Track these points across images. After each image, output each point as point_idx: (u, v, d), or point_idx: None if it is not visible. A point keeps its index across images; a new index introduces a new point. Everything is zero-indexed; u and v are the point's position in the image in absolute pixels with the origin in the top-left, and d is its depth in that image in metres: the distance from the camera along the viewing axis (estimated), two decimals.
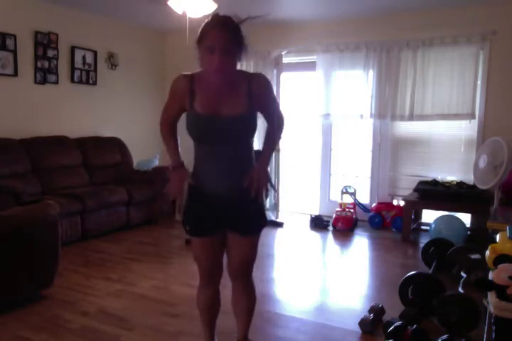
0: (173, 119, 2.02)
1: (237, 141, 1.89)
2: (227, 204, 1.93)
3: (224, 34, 1.70)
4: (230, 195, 1.92)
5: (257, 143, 5.68)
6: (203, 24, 1.75)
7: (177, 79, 1.88)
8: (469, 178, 4.35)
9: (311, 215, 5.21)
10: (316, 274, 3.65)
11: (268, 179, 1.98)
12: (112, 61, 5.44)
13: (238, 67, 1.87)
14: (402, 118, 4.86)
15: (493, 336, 1.85)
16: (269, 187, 1.99)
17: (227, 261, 2.08)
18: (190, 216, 2.01)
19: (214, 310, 2.19)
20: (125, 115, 5.75)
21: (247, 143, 1.95)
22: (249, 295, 2.14)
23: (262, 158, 1.99)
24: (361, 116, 5.04)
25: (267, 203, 5.23)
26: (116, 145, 5.36)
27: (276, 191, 2.05)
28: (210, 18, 1.76)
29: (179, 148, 2.07)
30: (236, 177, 1.90)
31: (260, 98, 1.86)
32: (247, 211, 1.96)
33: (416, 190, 4.54)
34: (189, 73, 1.88)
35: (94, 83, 5.27)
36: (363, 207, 5.20)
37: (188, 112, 1.87)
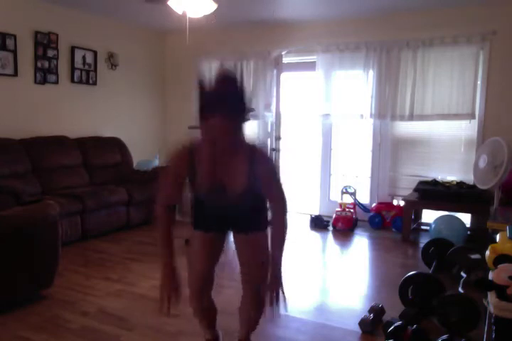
0: (172, 201, 1.90)
1: (242, 205, 1.86)
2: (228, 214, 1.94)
3: (224, 120, 1.59)
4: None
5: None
6: (201, 90, 1.62)
7: (176, 154, 1.81)
8: (469, 178, 4.35)
9: (311, 215, 5.21)
10: (316, 274, 3.65)
11: (280, 282, 1.87)
12: (112, 61, 5.44)
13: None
14: (402, 118, 4.86)
15: (493, 336, 1.85)
16: (283, 291, 1.88)
17: (239, 265, 2.05)
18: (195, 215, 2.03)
19: (212, 317, 2.19)
20: (125, 115, 5.75)
21: (255, 203, 1.90)
22: (257, 307, 2.04)
23: (274, 259, 1.88)
24: (361, 116, 5.04)
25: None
26: (116, 145, 5.36)
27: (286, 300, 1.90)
28: (211, 88, 1.62)
29: (173, 245, 1.91)
30: (238, 219, 1.92)
31: (262, 177, 1.78)
32: (247, 211, 1.95)
33: (416, 190, 4.54)
34: (188, 145, 1.79)
35: (94, 83, 5.27)
36: (363, 207, 5.19)
37: (191, 182, 1.83)
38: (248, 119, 1.73)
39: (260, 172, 1.76)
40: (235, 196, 1.78)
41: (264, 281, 1.94)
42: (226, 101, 1.60)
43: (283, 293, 1.87)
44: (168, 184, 1.86)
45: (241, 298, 2.13)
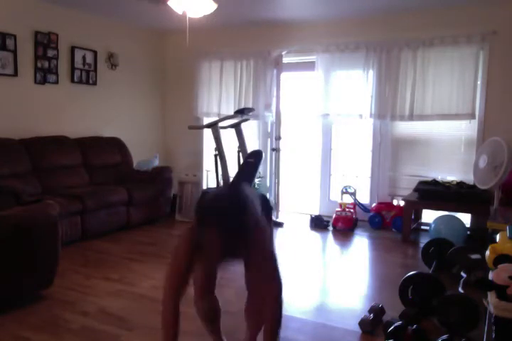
0: (184, 284, 1.79)
1: None
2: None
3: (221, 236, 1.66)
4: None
5: (258, 145, 5.70)
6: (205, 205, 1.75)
7: (185, 234, 1.81)
8: (469, 178, 4.35)
9: (311, 215, 5.22)
10: (316, 274, 3.65)
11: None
12: (112, 61, 5.44)
13: None
14: (402, 118, 4.85)
15: (493, 336, 1.85)
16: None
17: (245, 275, 2.03)
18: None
19: (217, 318, 2.17)
20: (125, 115, 5.75)
21: None
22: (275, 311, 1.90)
23: None
24: (361, 116, 5.04)
25: None
26: (116, 145, 5.36)
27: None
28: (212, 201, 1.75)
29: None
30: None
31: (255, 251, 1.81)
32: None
33: (416, 190, 4.54)
34: (191, 230, 1.79)
35: (94, 83, 5.27)
36: (363, 207, 5.19)
37: None
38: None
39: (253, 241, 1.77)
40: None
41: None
42: (225, 220, 1.64)
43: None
44: (180, 264, 1.78)
45: (246, 300, 2.09)
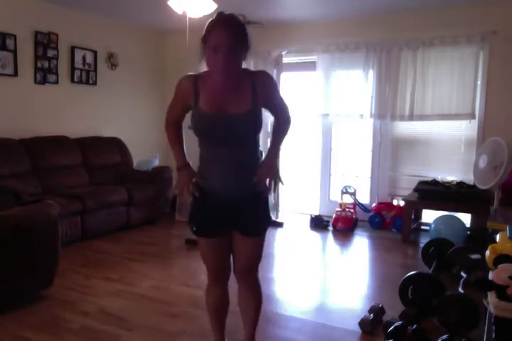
0: (178, 120, 2.02)
1: (242, 140, 1.88)
2: (232, 205, 1.92)
3: (228, 33, 1.70)
4: (236, 195, 1.91)
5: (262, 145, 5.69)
6: (208, 23, 1.75)
7: (181, 80, 1.89)
8: (469, 178, 4.35)
9: (311, 215, 5.21)
10: (316, 274, 3.65)
11: (276, 172, 2.00)
12: (111, 61, 5.44)
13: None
14: (402, 118, 4.86)
15: (493, 336, 1.85)
16: (277, 180, 2.01)
17: (233, 261, 2.08)
18: (196, 216, 2.00)
19: (223, 310, 2.18)
20: (125, 115, 5.75)
21: (253, 143, 1.95)
22: (254, 296, 2.13)
23: (270, 152, 2.02)
24: (361, 116, 5.04)
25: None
26: (116, 145, 5.36)
27: (283, 184, 2.05)
28: (214, 16, 1.76)
29: (185, 149, 2.06)
30: (242, 178, 1.90)
31: (264, 94, 1.86)
32: (252, 212, 1.96)
33: (416, 190, 4.54)
34: (193, 73, 1.88)
35: (94, 83, 5.27)
36: (363, 207, 5.19)
37: (194, 111, 1.86)
38: (246, 59, 1.81)
39: (261, 87, 1.84)
40: (236, 117, 1.81)
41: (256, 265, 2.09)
42: (232, 34, 1.70)
43: (279, 179, 2.05)
44: (176, 107, 1.97)
45: (237, 292, 2.14)
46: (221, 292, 2.13)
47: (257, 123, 1.88)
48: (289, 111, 2.04)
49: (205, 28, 1.75)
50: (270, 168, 1.97)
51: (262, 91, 1.85)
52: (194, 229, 1.99)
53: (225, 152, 1.87)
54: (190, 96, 1.84)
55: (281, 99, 1.99)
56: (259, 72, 1.91)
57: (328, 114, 5.24)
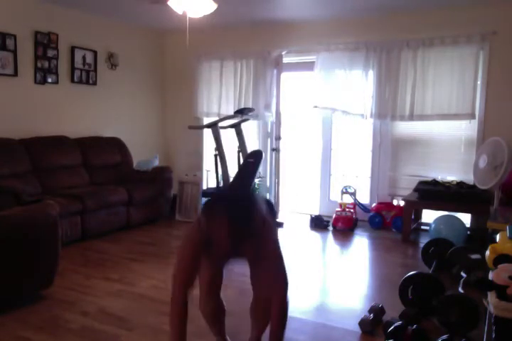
0: (192, 280, 1.81)
1: None
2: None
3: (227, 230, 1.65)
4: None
5: (258, 145, 5.70)
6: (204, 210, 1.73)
7: (191, 231, 1.83)
8: (469, 178, 4.35)
9: (311, 215, 5.21)
10: (316, 274, 3.65)
11: None
12: (111, 61, 5.44)
13: None
14: (402, 118, 4.85)
15: (493, 336, 1.85)
16: None
17: (251, 275, 2.05)
18: None
19: (221, 318, 2.18)
20: (125, 115, 5.75)
21: None
22: (283, 310, 1.94)
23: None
24: (361, 115, 5.03)
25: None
26: (116, 145, 5.36)
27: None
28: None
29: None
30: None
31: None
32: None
33: (416, 190, 4.54)
34: (199, 223, 1.78)
35: (94, 83, 5.27)
36: (363, 207, 5.19)
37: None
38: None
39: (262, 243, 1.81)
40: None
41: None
42: (235, 211, 1.66)
43: None
44: (189, 258, 1.81)
45: (256, 303, 2.09)
46: (216, 302, 2.11)
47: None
48: (287, 288, 1.86)
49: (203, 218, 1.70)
50: None
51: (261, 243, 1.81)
52: None
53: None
54: (201, 242, 1.77)
55: (280, 261, 1.87)
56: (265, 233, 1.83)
57: (328, 114, 5.23)
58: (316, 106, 5.23)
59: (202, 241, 1.75)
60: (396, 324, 2.37)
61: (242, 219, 1.67)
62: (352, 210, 5.05)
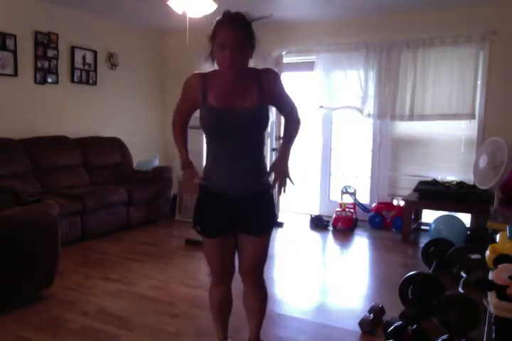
0: (185, 119, 2.04)
1: (249, 137, 1.90)
2: (238, 204, 1.93)
3: (234, 31, 1.73)
4: (241, 195, 1.92)
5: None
6: (215, 21, 1.78)
7: (189, 78, 1.92)
8: (469, 178, 4.35)
9: (311, 215, 5.21)
10: (316, 274, 3.65)
11: (286, 173, 2.02)
12: (111, 61, 5.44)
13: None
14: (402, 118, 4.85)
15: (493, 336, 1.85)
16: (287, 181, 2.03)
17: (238, 261, 2.08)
18: (200, 216, 2.00)
19: (227, 309, 2.19)
20: (125, 115, 5.74)
21: (259, 141, 1.96)
22: (260, 296, 2.14)
23: (281, 153, 2.04)
24: (362, 115, 5.03)
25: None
26: (116, 145, 5.36)
27: (294, 185, 2.10)
28: (221, 15, 1.79)
29: (188, 149, 2.09)
30: (247, 177, 1.91)
31: (270, 91, 1.89)
32: (258, 211, 1.96)
33: (416, 190, 4.54)
34: (201, 72, 1.92)
35: (94, 83, 5.27)
36: (363, 207, 5.19)
37: (202, 108, 1.88)
38: (252, 56, 1.85)
39: (267, 84, 1.88)
40: (244, 113, 1.84)
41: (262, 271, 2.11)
42: (238, 32, 1.73)
43: (290, 180, 2.04)
44: (184, 105, 1.99)
45: (243, 292, 2.14)
46: (225, 292, 2.13)
47: (264, 120, 1.91)
48: (298, 111, 2.07)
49: (212, 26, 1.78)
50: (281, 169, 1.99)
51: (268, 88, 1.88)
52: (199, 229, 1.99)
53: (231, 149, 1.88)
54: (198, 93, 1.86)
55: (288, 97, 2.01)
56: (266, 70, 1.94)
57: (328, 114, 5.23)
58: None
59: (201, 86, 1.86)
60: (396, 324, 2.37)
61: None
62: (352, 210, 5.05)
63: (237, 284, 2.15)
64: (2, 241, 2.61)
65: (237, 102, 1.84)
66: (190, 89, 1.90)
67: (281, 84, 1.96)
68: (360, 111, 5.02)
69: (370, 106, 4.99)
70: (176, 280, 3.33)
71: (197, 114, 1.93)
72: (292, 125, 2.06)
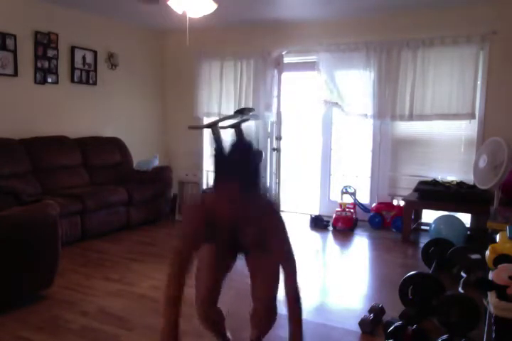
0: (191, 260, 1.83)
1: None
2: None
3: (237, 190, 1.68)
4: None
5: (258, 145, 5.69)
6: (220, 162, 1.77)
7: (192, 212, 1.84)
8: (469, 178, 4.35)
9: (311, 215, 5.21)
10: (316, 274, 3.65)
11: None
12: (111, 61, 5.44)
13: None
14: (402, 118, 4.85)
15: (493, 336, 1.85)
16: None
17: (251, 283, 2.05)
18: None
19: (220, 326, 2.18)
20: (125, 115, 5.74)
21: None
22: (269, 317, 2.07)
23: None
24: (361, 115, 5.03)
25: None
26: (116, 145, 5.36)
27: None
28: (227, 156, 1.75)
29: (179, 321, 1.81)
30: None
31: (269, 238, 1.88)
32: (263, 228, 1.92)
33: (416, 190, 4.54)
34: (199, 204, 1.82)
35: (94, 83, 5.27)
36: (363, 207, 5.19)
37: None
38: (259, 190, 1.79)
39: (267, 227, 1.88)
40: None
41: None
42: (239, 173, 1.68)
43: None
44: (187, 246, 1.81)
45: (252, 310, 2.10)
46: (214, 313, 2.10)
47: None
48: (295, 260, 1.97)
49: (215, 162, 1.76)
50: None
51: (268, 232, 1.88)
52: None
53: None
54: (203, 228, 1.78)
55: (288, 244, 1.99)
56: (268, 216, 1.91)
57: (328, 114, 5.23)
58: (316, 107, 5.21)
59: (204, 219, 1.74)
60: (396, 324, 2.37)
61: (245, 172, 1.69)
62: (352, 210, 5.05)
63: (236, 284, 2.14)
64: (2, 241, 2.61)
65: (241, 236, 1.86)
66: (195, 224, 1.81)
67: (282, 229, 1.97)
68: (362, 115, 5.02)
69: (370, 106, 4.98)
70: None
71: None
72: (293, 291, 2.01)
